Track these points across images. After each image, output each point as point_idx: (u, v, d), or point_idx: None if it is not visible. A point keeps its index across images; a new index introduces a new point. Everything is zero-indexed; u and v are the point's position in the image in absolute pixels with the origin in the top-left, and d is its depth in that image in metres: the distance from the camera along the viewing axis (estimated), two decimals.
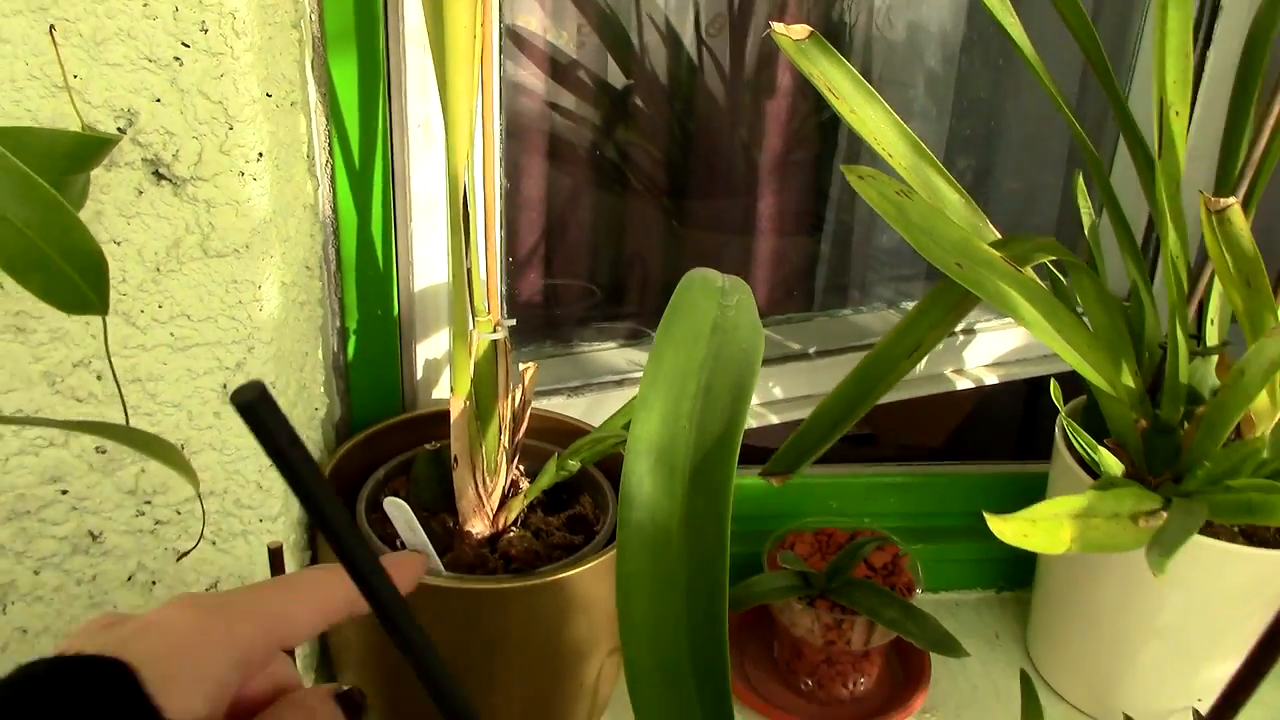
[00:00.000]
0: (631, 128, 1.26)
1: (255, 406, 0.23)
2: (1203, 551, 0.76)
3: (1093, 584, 0.86)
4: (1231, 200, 0.56)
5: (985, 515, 0.54)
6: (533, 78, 1.15)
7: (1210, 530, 0.77)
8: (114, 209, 0.60)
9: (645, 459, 0.51)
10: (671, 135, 1.28)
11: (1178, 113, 0.63)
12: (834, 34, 1.28)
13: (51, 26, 0.57)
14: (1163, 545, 0.55)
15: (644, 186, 1.28)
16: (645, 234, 1.30)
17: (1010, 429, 1.61)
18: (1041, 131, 1.41)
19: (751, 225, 1.30)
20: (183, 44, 0.58)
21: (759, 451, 0.83)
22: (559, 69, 1.16)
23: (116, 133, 0.58)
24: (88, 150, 0.53)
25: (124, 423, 0.55)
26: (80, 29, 0.57)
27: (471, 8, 0.61)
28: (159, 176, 0.60)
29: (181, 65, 0.58)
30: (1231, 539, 0.77)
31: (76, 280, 0.43)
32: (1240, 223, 0.57)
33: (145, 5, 0.57)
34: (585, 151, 1.23)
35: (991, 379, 1.13)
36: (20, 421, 0.41)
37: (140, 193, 0.60)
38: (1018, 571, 1.03)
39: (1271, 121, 0.65)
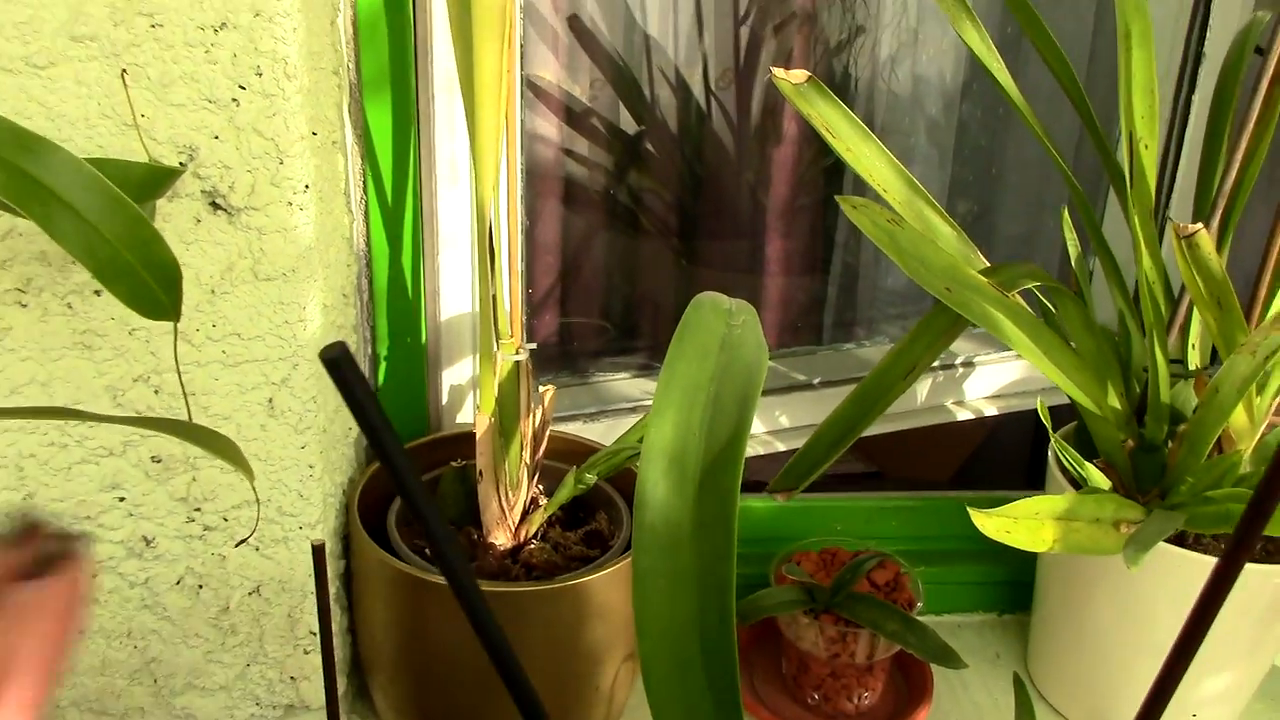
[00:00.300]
0: (643, 173, 1.32)
1: (339, 362, 0.28)
2: (1193, 567, 0.80)
3: (1089, 605, 0.89)
4: (1198, 226, 0.61)
5: (969, 510, 0.59)
6: (548, 126, 1.22)
7: (1200, 546, 0.81)
8: (174, 235, 0.66)
9: (659, 464, 0.56)
10: (682, 180, 1.34)
11: (1146, 145, 0.68)
12: (839, 85, 1.34)
13: (124, 71, 0.63)
14: (1138, 543, 0.60)
15: (655, 229, 1.34)
16: (656, 274, 1.36)
17: (1015, 467, 1.64)
18: (1041, 176, 1.47)
19: (759, 266, 1.36)
20: (240, 86, 0.64)
21: (765, 485, 0.87)
22: (573, 117, 1.22)
23: (179, 166, 0.64)
24: (156, 180, 0.59)
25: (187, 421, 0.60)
26: (149, 73, 0.63)
27: (499, 56, 0.67)
28: (215, 206, 0.66)
29: (238, 105, 0.65)
30: (1220, 554, 0.81)
31: (155, 289, 0.49)
32: (1208, 247, 0.62)
33: (207, 51, 0.63)
34: (599, 196, 1.28)
35: (991, 410, 1.18)
36: (99, 419, 0.46)
37: (198, 221, 0.66)
38: (1018, 595, 1.06)
39: (1240, 153, 0.71)
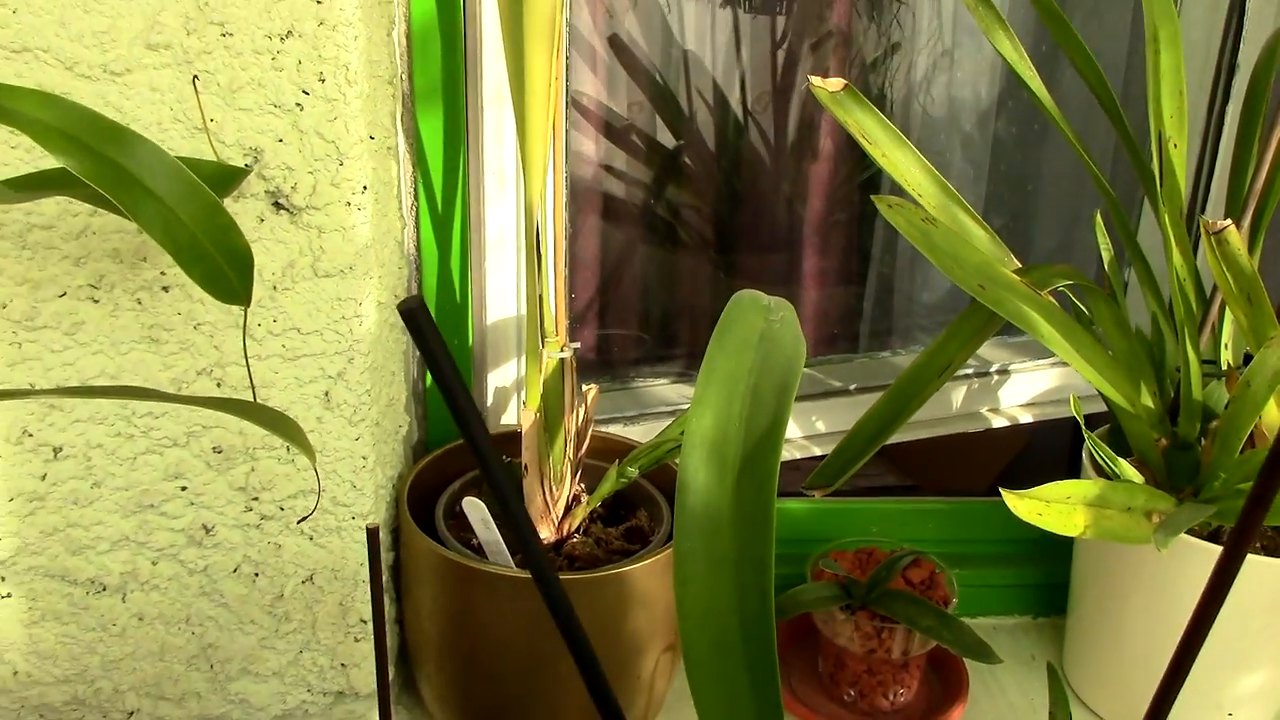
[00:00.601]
0: (681, 188, 1.34)
1: (415, 313, 0.30)
2: None
3: (1124, 606, 0.90)
4: (1227, 222, 0.63)
5: (1001, 490, 0.61)
6: (588, 143, 1.25)
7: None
8: None
9: (700, 450, 0.58)
10: (719, 195, 1.37)
11: (1175, 145, 0.70)
12: (875, 103, 1.37)
13: (195, 77, 0.67)
14: (1168, 528, 0.61)
15: (693, 243, 1.37)
16: (695, 287, 1.38)
17: (1053, 479, 1.64)
18: (1076, 191, 1.48)
19: (796, 279, 1.38)
20: (304, 92, 0.68)
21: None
22: (613, 133, 1.26)
23: (245, 167, 0.68)
24: (224, 179, 0.63)
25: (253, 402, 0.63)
26: (218, 79, 0.67)
27: (548, 64, 0.70)
28: (278, 206, 0.70)
29: (302, 110, 0.68)
30: (1254, 553, 0.82)
31: (229, 273, 0.52)
32: (1237, 243, 0.64)
33: (274, 59, 0.67)
34: (637, 211, 1.31)
35: (1026, 418, 1.19)
36: (172, 399, 0.49)
37: (262, 220, 0.70)
38: (1053, 597, 1.07)
39: (1271, 154, 0.72)
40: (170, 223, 0.50)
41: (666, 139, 1.30)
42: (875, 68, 1.37)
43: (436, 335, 0.32)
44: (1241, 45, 1.05)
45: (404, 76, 0.84)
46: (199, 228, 0.50)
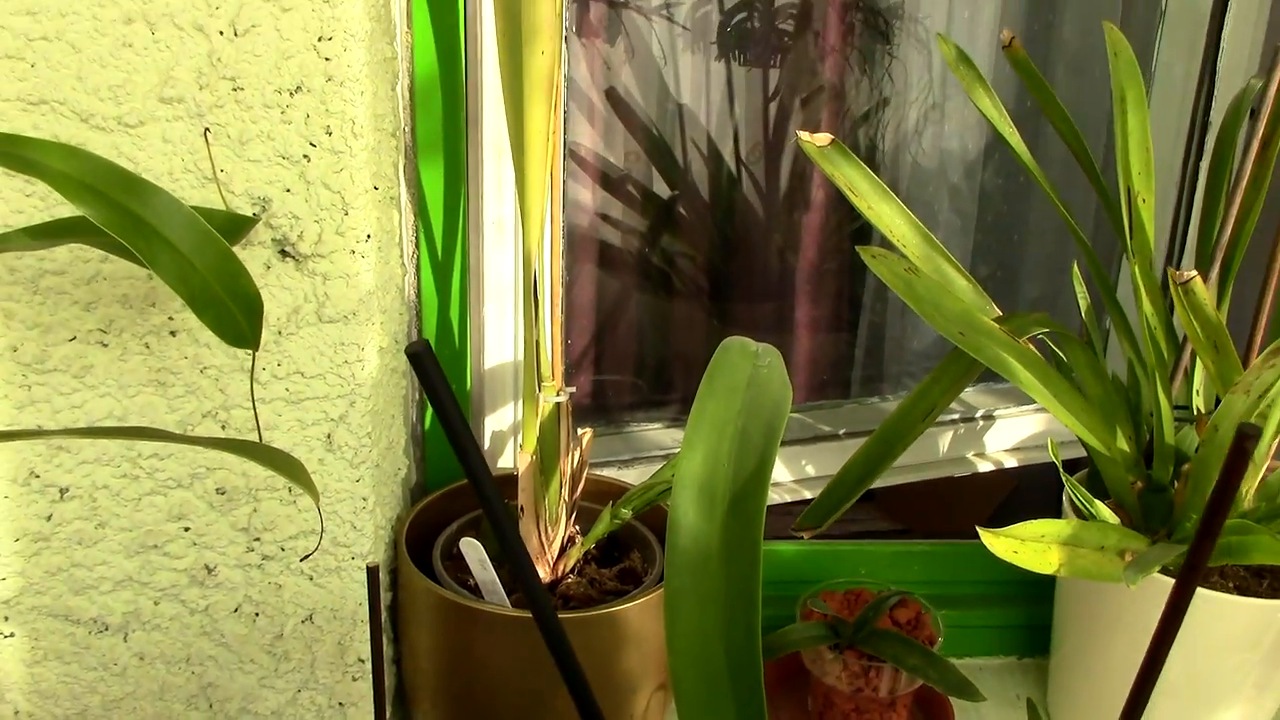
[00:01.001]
0: (676, 237, 1.38)
1: (422, 356, 0.33)
2: (1208, 606, 0.83)
3: (1104, 647, 0.92)
4: (1192, 273, 0.66)
5: (979, 529, 0.63)
6: (585, 192, 1.28)
7: (1208, 583, 0.84)
8: None
9: (690, 490, 0.61)
10: (713, 244, 1.40)
11: (1144, 200, 0.73)
12: (865, 155, 1.40)
13: (206, 129, 0.70)
14: (1138, 566, 0.63)
15: (687, 291, 1.40)
16: (688, 334, 1.41)
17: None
18: (1061, 241, 1.51)
19: (788, 327, 1.41)
20: (311, 144, 0.71)
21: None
22: (609, 183, 1.29)
23: (254, 216, 0.70)
24: (234, 228, 0.66)
25: (259, 443, 0.65)
26: (229, 131, 0.70)
27: (546, 119, 0.74)
28: (285, 254, 0.72)
29: (309, 161, 0.71)
30: (1227, 592, 0.84)
31: (239, 318, 0.54)
32: (1202, 293, 0.67)
33: (283, 112, 0.70)
34: (633, 259, 1.34)
35: (1012, 462, 1.21)
36: (181, 439, 0.51)
37: (269, 267, 0.72)
38: (1037, 638, 1.09)
39: (1236, 207, 0.75)
40: (185, 270, 0.52)
41: (662, 189, 1.34)
42: (866, 120, 1.41)
43: (442, 378, 0.34)
44: (1213, 103, 1.09)
45: (407, 128, 0.87)
46: (212, 274, 0.53)
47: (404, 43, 0.84)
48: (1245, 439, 0.32)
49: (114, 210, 0.51)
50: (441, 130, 0.88)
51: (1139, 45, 1.25)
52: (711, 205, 1.39)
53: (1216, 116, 1.10)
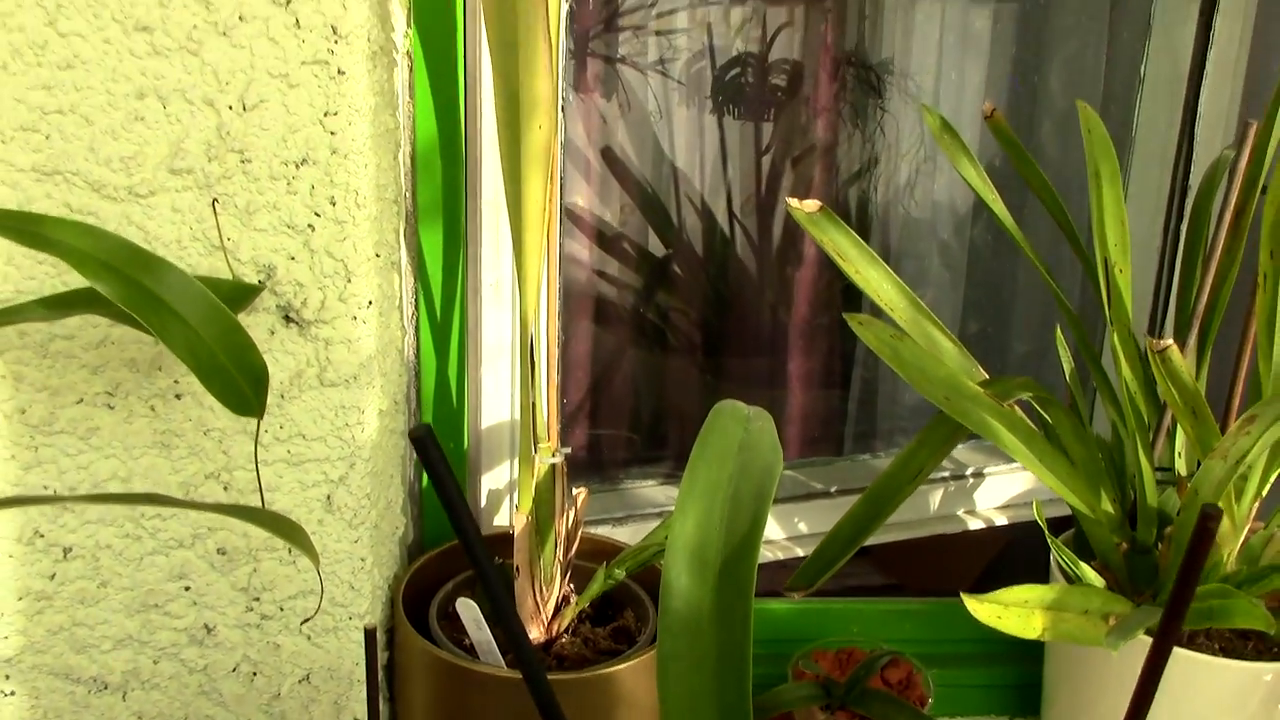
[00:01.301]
0: (670, 293, 1.40)
1: (425, 440, 0.35)
2: (1186, 666, 0.84)
3: (1094, 709, 0.93)
4: (1168, 342, 0.68)
5: (962, 595, 0.64)
6: (580, 249, 1.30)
7: (1193, 645, 0.85)
8: None
9: (682, 555, 0.62)
10: (707, 299, 1.42)
11: (1120, 270, 0.75)
12: (858, 210, 1.43)
13: (215, 200, 0.72)
14: (1121, 630, 0.65)
15: (681, 346, 1.42)
16: (682, 389, 1.43)
17: (1033, 579, 1.67)
18: (1049, 297, 1.53)
19: (781, 381, 1.43)
20: (315, 214, 0.73)
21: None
22: (605, 240, 1.31)
23: (259, 284, 0.72)
24: (240, 296, 0.68)
25: (263, 509, 0.66)
26: (236, 201, 0.72)
27: (544, 188, 0.76)
28: (288, 319, 0.74)
29: (314, 230, 0.73)
30: (1213, 654, 0.85)
31: (245, 388, 0.56)
32: (1179, 361, 0.69)
33: (289, 184, 0.72)
34: (628, 315, 1.37)
35: (1002, 520, 1.23)
36: (186, 505, 0.53)
37: (272, 332, 0.74)
38: (1028, 698, 1.10)
39: (1212, 274, 0.78)
40: (194, 342, 0.54)
41: (656, 246, 1.36)
42: (858, 175, 1.43)
43: (444, 462, 0.36)
44: (1192, 166, 1.12)
45: (408, 193, 0.89)
46: (219, 347, 0.55)
47: (406, 111, 0.86)
48: (1208, 519, 0.34)
49: (127, 286, 0.53)
50: (441, 195, 0.91)
51: (1120, 107, 1.28)
52: (705, 261, 1.41)
53: (1194, 180, 1.13)
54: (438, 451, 0.35)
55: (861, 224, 1.44)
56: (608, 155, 1.33)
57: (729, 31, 1.36)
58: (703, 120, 1.36)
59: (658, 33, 1.31)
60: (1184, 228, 1.15)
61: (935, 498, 1.19)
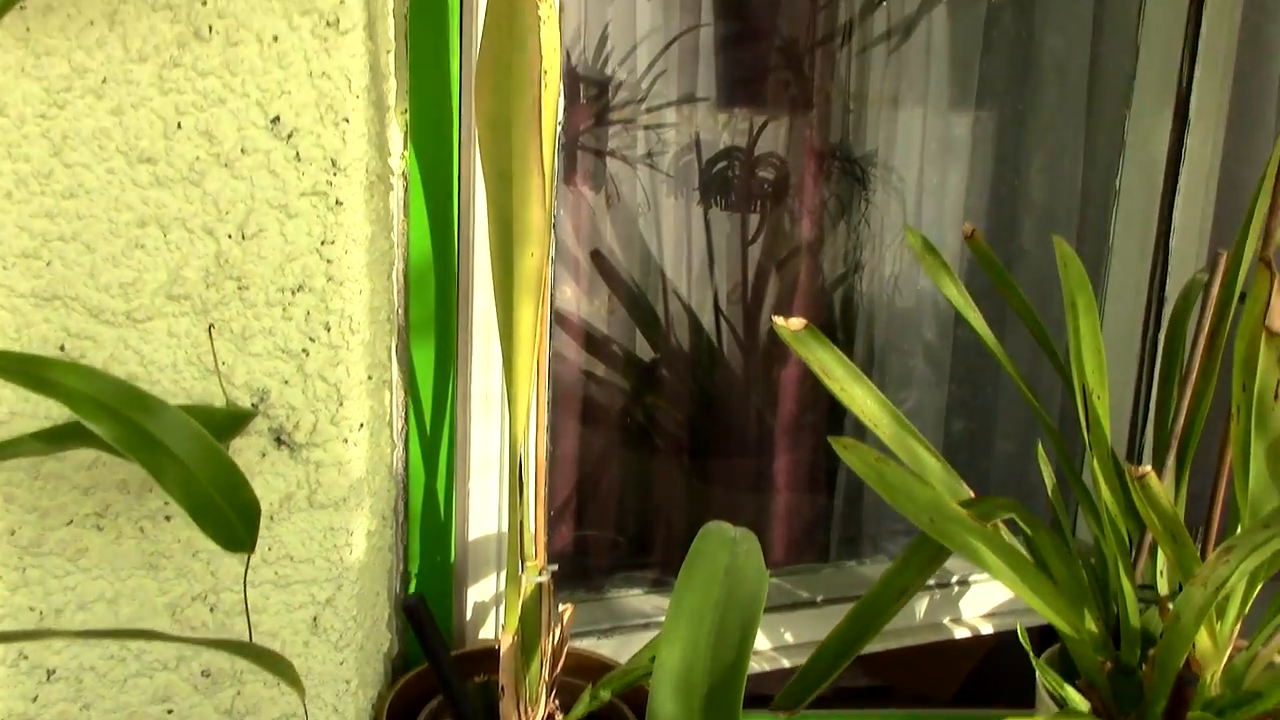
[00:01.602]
0: (656, 394, 1.41)
1: (417, 610, 0.35)
2: None
3: None
4: (1147, 469, 0.69)
5: None
6: (568, 348, 1.32)
7: None
8: (241, 467, 0.74)
9: (669, 682, 0.63)
10: (693, 400, 1.43)
11: (1098, 396, 0.77)
12: (844, 306, 1.44)
13: (211, 325, 0.73)
14: None
15: (667, 448, 1.42)
16: (669, 491, 1.43)
17: (1019, 681, 1.66)
18: (1036, 393, 1.54)
19: (767, 483, 1.43)
20: (310, 339, 0.74)
21: (768, 700, 0.92)
22: (592, 342, 1.33)
23: (252, 408, 0.73)
24: (234, 423, 0.68)
25: (248, 640, 0.67)
26: (232, 327, 0.73)
27: (535, 313, 0.78)
28: (280, 442, 0.75)
29: (308, 355, 0.74)
30: None
31: (237, 525, 0.57)
32: (1157, 487, 0.70)
33: (284, 310, 0.74)
34: (615, 415, 1.38)
35: (987, 628, 1.23)
36: (177, 640, 0.53)
37: (264, 455, 0.75)
38: None
39: (1189, 397, 0.80)
40: (188, 481, 0.55)
41: (643, 346, 1.38)
42: (844, 265, 1.45)
43: (436, 631, 0.36)
44: (1168, 280, 1.15)
45: (400, 310, 0.91)
46: (213, 486, 0.55)
47: (400, 230, 0.88)
48: (1184, 686, 0.34)
49: (124, 427, 0.54)
50: (433, 310, 0.92)
51: (1096, 209, 1.31)
52: (692, 362, 1.43)
53: (1171, 289, 1.16)
54: (430, 623, 0.36)
55: (846, 316, 1.46)
56: (596, 257, 1.36)
57: (716, 125, 1.39)
58: (690, 212, 1.38)
59: (646, 127, 1.34)
60: (1161, 339, 1.18)
61: (921, 606, 1.19)
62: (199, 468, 0.55)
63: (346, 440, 0.76)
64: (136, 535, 0.75)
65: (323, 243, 0.74)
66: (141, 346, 0.73)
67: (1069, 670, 0.90)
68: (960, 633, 1.20)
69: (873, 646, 1.21)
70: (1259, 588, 0.84)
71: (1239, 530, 0.79)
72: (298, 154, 0.72)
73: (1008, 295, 0.91)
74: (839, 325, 1.47)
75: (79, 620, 0.75)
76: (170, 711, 0.78)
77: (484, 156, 0.75)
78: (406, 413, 0.93)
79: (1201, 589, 0.69)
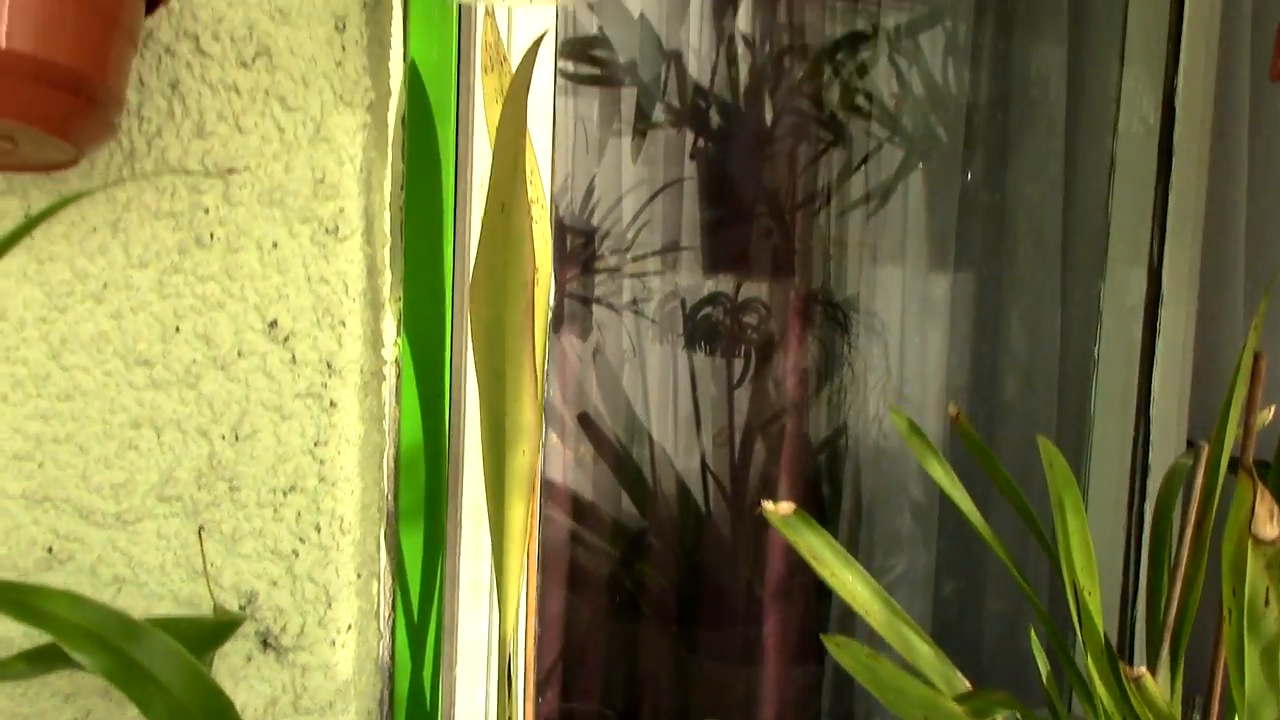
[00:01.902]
0: (644, 561, 1.40)
1: None
2: None
3: None
4: (1142, 670, 0.69)
5: None
6: (555, 512, 1.31)
7: None
8: (226, 672, 0.74)
9: None
10: (680, 568, 1.42)
11: (1090, 593, 0.77)
12: (831, 453, 1.44)
13: (201, 527, 0.73)
14: None
15: (655, 615, 1.41)
16: (656, 662, 1.41)
17: None
18: (1023, 552, 1.54)
19: (756, 654, 1.41)
20: (300, 540, 0.74)
21: None
22: (579, 507, 1.33)
23: (239, 611, 0.73)
24: (220, 632, 0.68)
25: None
26: (223, 528, 0.73)
27: (526, 511, 0.78)
28: (266, 645, 0.74)
29: (298, 556, 0.74)
30: None
31: None
32: (1153, 688, 0.70)
33: (275, 511, 0.74)
34: (601, 582, 1.36)
35: None
36: None
37: (249, 659, 0.74)
38: None
39: (1179, 586, 0.80)
40: (176, 712, 0.54)
41: (630, 510, 1.37)
42: (829, 410, 1.45)
43: None
44: (1149, 477, 1.16)
45: (390, 496, 0.91)
46: (200, 713, 0.55)
47: (391, 417, 0.89)
48: None
49: (113, 657, 0.53)
50: (423, 497, 0.92)
51: (1076, 371, 1.33)
52: (680, 528, 1.42)
53: (1151, 488, 1.17)
54: None
55: (833, 461, 1.46)
56: (583, 420, 1.37)
57: (700, 273, 1.41)
58: (675, 357, 1.39)
59: (632, 275, 1.37)
60: (1147, 518, 1.18)
61: None
62: (186, 695, 0.54)
63: (334, 643, 0.75)
64: None
65: (316, 444, 0.74)
66: (130, 548, 0.72)
67: None
68: None
69: None
70: None
71: None
72: (294, 356, 0.74)
73: (994, 477, 0.92)
74: (825, 476, 1.48)
75: None
76: None
77: (478, 355, 0.76)
78: (394, 599, 0.92)
79: None
